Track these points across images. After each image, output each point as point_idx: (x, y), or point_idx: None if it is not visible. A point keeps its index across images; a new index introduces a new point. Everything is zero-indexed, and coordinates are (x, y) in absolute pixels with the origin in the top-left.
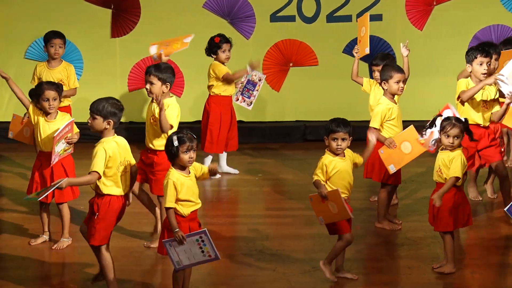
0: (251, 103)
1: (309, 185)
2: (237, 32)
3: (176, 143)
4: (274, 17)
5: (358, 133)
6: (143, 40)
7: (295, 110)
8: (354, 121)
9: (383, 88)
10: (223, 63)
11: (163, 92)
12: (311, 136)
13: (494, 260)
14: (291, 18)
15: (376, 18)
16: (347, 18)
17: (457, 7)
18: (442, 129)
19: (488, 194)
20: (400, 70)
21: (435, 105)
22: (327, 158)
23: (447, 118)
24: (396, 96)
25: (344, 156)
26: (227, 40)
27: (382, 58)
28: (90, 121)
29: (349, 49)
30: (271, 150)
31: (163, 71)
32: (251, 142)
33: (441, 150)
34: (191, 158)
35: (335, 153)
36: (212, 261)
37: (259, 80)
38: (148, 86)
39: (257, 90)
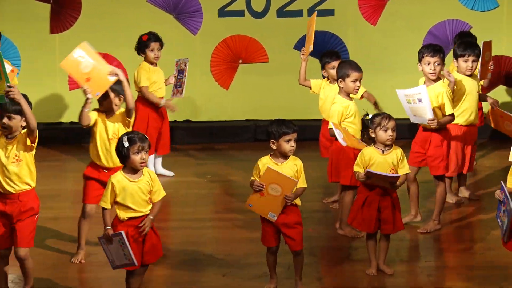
0: (182, 90)
1: None
2: (184, 27)
3: (126, 143)
4: (222, 12)
5: (312, 132)
6: (84, 36)
7: (245, 109)
8: (307, 120)
9: (339, 86)
10: (151, 63)
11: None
12: (262, 136)
13: (450, 263)
14: (239, 13)
15: (327, 13)
16: (298, 13)
17: (411, 1)
18: (378, 125)
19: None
20: (357, 68)
21: (389, 103)
22: (262, 161)
23: (377, 114)
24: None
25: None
26: (157, 39)
27: (337, 55)
28: (6, 122)
29: (300, 45)
30: (220, 151)
31: None
32: (199, 142)
33: (370, 147)
34: (143, 159)
35: (287, 155)
36: (130, 266)
37: (185, 65)
38: None
39: (185, 76)
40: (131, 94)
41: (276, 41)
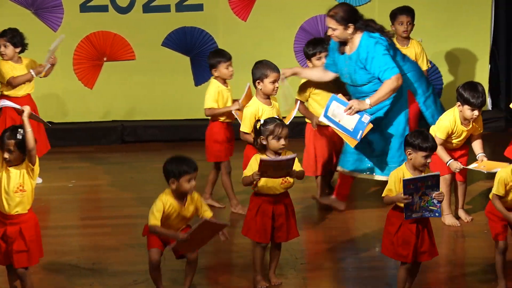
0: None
1: (129, 189)
2: (43, 23)
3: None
4: (85, 7)
5: (183, 132)
6: None
7: (111, 109)
8: (176, 120)
9: (256, 88)
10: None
11: None
12: (129, 137)
13: (327, 265)
14: (103, 8)
15: (196, 8)
16: (165, 8)
17: None
18: (271, 133)
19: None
20: (276, 69)
21: None
22: (166, 202)
23: (269, 121)
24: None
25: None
26: (2, 34)
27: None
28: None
29: (168, 42)
30: (84, 154)
31: None
32: (61, 145)
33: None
34: (5, 158)
35: (187, 194)
36: None
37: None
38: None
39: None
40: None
41: (143, 37)
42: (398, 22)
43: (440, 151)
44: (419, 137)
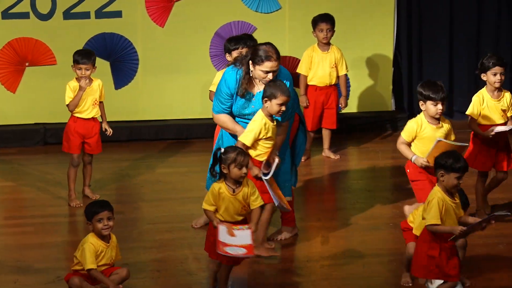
0: None
1: (52, 189)
2: None
3: None
4: (6, 14)
5: (103, 134)
6: None
7: (34, 112)
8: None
9: (263, 105)
10: None
11: None
12: (52, 139)
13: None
14: (24, 15)
15: (115, 15)
16: (85, 15)
17: (197, 3)
18: (233, 161)
19: None
20: (286, 92)
21: (175, 104)
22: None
23: (230, 150)
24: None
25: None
26: None
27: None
28: None
29: (88, 47)
30: (8, 155)
31: None
32: None
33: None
34: None
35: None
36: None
37: None
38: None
39: None
40: None
41: (64, 43)
42: (318, 29)
43: (403, 149)
44: (451, 158)
